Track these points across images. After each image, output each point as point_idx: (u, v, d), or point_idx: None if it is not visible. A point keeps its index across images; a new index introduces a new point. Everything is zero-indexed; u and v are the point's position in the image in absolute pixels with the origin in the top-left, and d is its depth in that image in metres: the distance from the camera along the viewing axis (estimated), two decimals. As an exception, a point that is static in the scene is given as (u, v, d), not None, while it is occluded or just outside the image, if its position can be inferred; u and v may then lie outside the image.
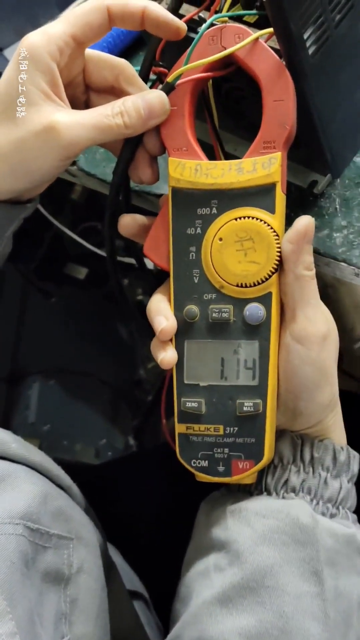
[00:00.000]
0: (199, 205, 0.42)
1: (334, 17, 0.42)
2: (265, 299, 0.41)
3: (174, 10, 0.46)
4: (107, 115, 0.42)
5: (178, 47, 0.46)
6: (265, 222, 0.40)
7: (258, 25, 0.44)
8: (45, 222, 0.98)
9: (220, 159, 0.48)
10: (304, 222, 0.41)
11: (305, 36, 0.41)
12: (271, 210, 0.41)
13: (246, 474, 0.42)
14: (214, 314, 0.42)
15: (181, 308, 0.43)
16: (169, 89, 0.44)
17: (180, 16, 0.46)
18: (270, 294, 0.41)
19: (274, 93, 0.41)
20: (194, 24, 0.46)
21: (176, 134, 0.44)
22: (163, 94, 0.43)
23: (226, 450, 0.42)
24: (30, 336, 1.27)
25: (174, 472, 0.48)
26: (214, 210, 0.42)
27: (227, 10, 0.45)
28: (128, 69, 0.45)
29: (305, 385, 0.42)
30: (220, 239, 0.41)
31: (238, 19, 0.45)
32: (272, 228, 0.40)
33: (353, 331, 0.73)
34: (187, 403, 0.43)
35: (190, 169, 0.42)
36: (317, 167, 0.51)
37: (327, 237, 0.49)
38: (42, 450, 0.48)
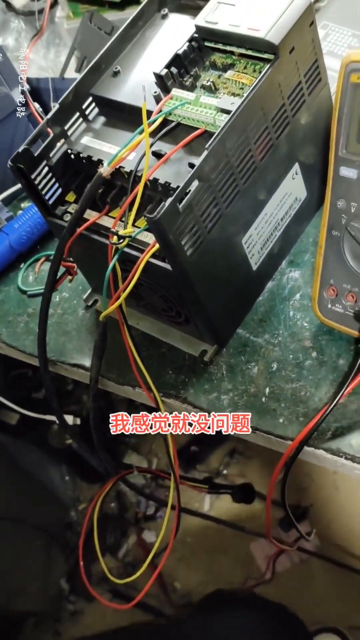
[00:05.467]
0: None
1: (207, 225, 0.51)
2: None
3: (80, 214, 0.55)
4: None
5: (80, 245, 0.55)
6: None
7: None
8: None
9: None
10: None
11: (183, 242, 0.50)
12: None
13: None
14: None
15: None
16: None
17: (85, 220, 0.55)
18: None
19: None
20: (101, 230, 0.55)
21: None
22: None
23: None
24: None
25: None
26: None
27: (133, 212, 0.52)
28: None
29: None
30: None
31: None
32: None
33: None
34: None
35: None
36: (207, 339, 0.59)
37: (216, 399, 0.57)
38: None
